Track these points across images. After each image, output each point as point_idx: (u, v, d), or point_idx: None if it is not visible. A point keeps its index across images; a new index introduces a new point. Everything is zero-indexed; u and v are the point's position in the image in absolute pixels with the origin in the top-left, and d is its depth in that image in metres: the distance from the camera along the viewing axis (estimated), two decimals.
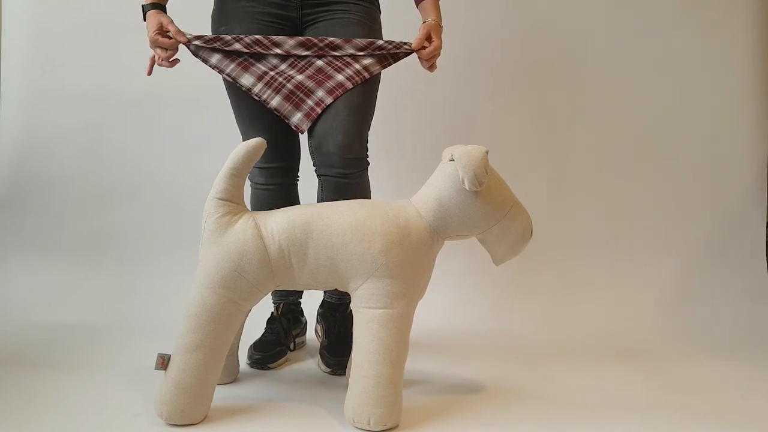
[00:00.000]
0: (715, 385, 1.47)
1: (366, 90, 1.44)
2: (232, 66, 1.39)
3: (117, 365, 1.50)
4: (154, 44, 1.36)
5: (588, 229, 2.23)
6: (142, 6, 1.40)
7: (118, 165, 2.24)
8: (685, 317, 2.04)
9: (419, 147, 2.22)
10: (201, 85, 2.12)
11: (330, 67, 1.41)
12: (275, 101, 1.38)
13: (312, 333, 1.75)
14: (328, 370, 1.49)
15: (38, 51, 2.24)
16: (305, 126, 1.40)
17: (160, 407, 1.13)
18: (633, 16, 2.27)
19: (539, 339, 1.87)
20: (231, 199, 1.20)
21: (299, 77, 1.40)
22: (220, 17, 1.48)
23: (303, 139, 1.58)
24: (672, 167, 2.27)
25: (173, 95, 2.22)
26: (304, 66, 1.41)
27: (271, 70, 1.40)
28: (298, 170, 1.60)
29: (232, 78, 1.39)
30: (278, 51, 1.40)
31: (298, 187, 1.63)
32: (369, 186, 1.50)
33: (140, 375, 1.43)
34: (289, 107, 1.39)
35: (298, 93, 1.39)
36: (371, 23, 1.50)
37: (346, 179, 1.43)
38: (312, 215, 1.19)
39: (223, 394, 1.31)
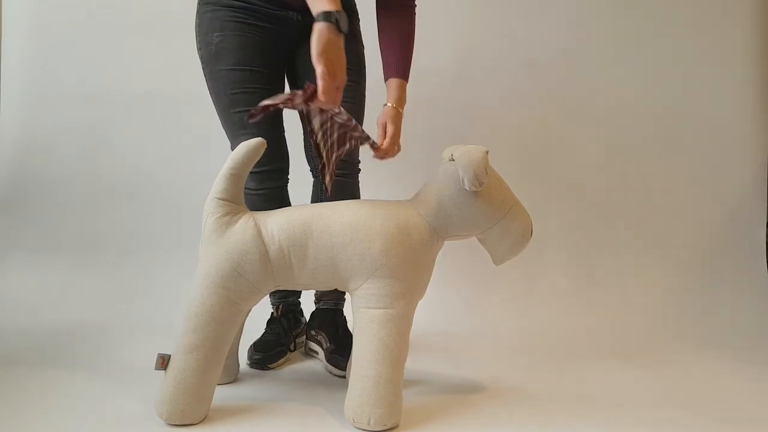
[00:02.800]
0: (715, 384, 1.47)
1: (359, 100, 1.53)
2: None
3: (117, 365, 1.50)
4: (336, 99, 1.14)
5: (588, 229, 2.24)
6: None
7: (118, 165, 2.24)
8: (685, 317, 2.04)
9: (419, 147, 2.22)
10: (201, 84, 2.11)
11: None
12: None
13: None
14: (343, 373, 1.47)
15: (38, 51, 2.24)
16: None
17: (160, 407, 1.13)
18: (633, 16, 2.27)
19: (540, 339, 1.87)
20: (231, 199, 1.19)
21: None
22: (212, 23, 1.42)
23: (290, 141, 1.58)
24: (672, 167, 2.27)
25: (173, 95, 2.22)
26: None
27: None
28: (288, 172, 1.58)
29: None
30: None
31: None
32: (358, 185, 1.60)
33: (140, 375, 1.43)
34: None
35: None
36: (359, 35, 1.57)
37: (345, 178, 1.52)
38: (312, 215, 1.19)
39: (223, 394, 1.31)
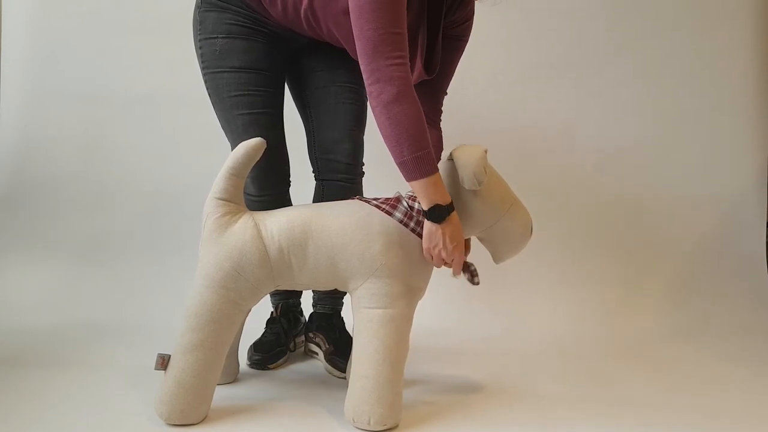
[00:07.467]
0: (715, 385, 1.47)
1: (364, 104, 1.53)
2: None
3: (117, 365, 1.50)
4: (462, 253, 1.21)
5: (588, 229, 2.23)
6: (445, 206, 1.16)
7: (118, 165, 2.24)
8: (685, 317, 2.04)
9: None
10: (201, 84, 2.11)
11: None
12: None
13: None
14: (343, 374, 1.47)
15: (38, 51, 2.24)
16: None
17: (160, 407, 1.13)
18: (633, 16, 2.27)
19: (539, 339, 1.87)
20: (231, 199, 1.19)
21: None
22: (217, 26, 1.38)
23: (291, 143, 1.57)
24: (672, 167, 2.27)
25: (174, 95, 2.22)
26: None
27: None
28: (289, 176, 1.55)
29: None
30: None
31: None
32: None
33: (140, 375, 1.43)
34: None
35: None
36: None
37: (349, 183, 1.51)
38: (312, 215, 1.19)
39: (223, 394, 1.31)
